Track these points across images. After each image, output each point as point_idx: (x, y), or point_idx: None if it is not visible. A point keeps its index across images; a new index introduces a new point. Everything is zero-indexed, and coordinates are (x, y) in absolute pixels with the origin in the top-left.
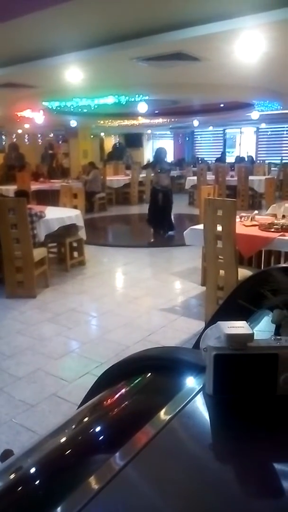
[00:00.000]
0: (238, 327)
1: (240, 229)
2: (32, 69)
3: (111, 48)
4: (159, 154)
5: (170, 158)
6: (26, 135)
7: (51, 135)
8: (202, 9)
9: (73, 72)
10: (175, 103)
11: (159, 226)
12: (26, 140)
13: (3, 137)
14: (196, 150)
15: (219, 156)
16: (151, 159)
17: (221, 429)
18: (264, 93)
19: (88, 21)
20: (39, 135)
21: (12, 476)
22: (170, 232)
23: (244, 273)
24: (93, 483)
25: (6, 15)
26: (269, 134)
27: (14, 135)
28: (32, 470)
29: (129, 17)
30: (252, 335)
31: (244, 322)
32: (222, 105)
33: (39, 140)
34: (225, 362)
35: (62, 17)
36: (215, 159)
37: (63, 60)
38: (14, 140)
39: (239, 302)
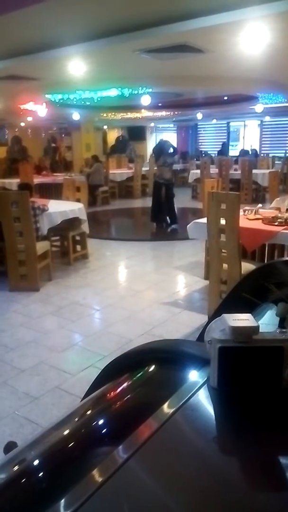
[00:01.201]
0: (243, 319)
1: (243, 222)
2: (34, 61)
3: (114, 40)
4: (162, 147)
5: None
6: (29, 129)
7: (54, 128)
8: (206, 0)
9: (76, 65)
10: (179, 96)
11: (162, 219)
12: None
13: (3, 131)
14: (200, 143)
15: (220, 148)
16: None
17: (225, 422)
18: (268, 85)
19: (91, 12)
20: (36, 127)
21: (16, 468)
22: (173, 226)
23: (247, 267)
24: (97, 475)
25: (8, 7)
26: (273, 127)
27: (17, 129)
28: (36, 462)
29: (132, 9)
30: (257, 327)
31: (249, 314)
32: (226, 98)
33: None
34: (229, 354)
35: (65, 8)
36: (217, 152)
37: (66, 52)
38: (17, 131)
39: (243, 295)
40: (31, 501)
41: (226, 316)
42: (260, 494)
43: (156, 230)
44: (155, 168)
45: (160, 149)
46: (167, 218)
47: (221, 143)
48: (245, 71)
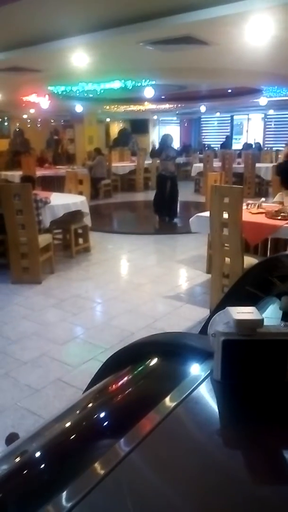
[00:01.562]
0: (248, 312)
1: (246, 216)
2: (38, 52)
3: (118, 31)
4: (165, 141)
5: (176, 145)
6: (32, 121)
7: (52, 121)
8: None
9: (79, 56)
10: (182, 88)
11: (165, 212)
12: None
13: (6, 123)
14: (203, 137)
15: (224, 141)
16: (157, 145)
17: (229, 415)
18: (273, 78)
19: (94, 3)
20: (39, 120)
21: (18, 459)
22: (174, 219)
23: (249, 261)
24: (99, 468)
25: None
26: (277, 121)
27: (18, 123)
28: (37, 454)
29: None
30: (262, 320)
31: (254, 307)
32: (229, 91)
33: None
34: (233, 347)
35: None
36: (220, 145)
37: (69, 44)
38: (18, 125)
39: (247, 289)
40: (32, 493)
41: (230, 309)
42: (264, 487)
43: (158, 223)
44: (158, 161)
45: (163, 143)
46: (170, 211)
47: (224, 136)
48: (249, 63)
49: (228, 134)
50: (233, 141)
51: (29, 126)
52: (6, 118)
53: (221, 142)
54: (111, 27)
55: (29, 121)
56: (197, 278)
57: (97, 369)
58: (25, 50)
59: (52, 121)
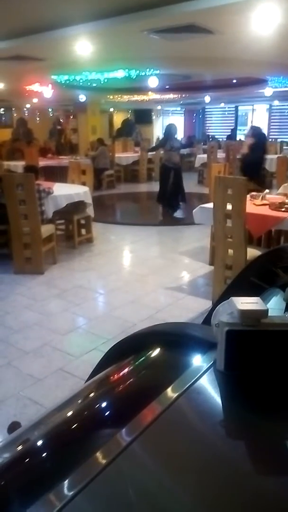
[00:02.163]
0: (252, 303)
1: (250, 208)
2: (41, 41)
3: (122, 19)
4: (170, 131)
5: (180, 135)
6: (35, 111)
7: (53, 113)
8: None
9: (82, 45)
10: (187, 78)
11: (168, 204)
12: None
13: (8, 113)
14: (207, 128)
15: (230, 133)
16: (160, 136)
17: (232, 406)
18: (278, 68)
19: None
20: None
21: (20, 447)
22: (180, 203)
23: (253, 253)
24: (100, 458)
25: None
26: (282, 112)
27: (16, 114)
28: (39, 442)
29: None
30: (266, 311)
31: (258, 298)
32: (234, 81)
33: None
34: (237, 338)
35: None
36: (225, 136)
37: (73, 32)
38: (15, 116)
39: (250, 280)
40: (34, 481)
41: (234, 299)
42: (267, 478)
43: (161, 215)
44: (162, 152)
45: (167, 134)
46: (174, 203)
47: (228, 127)
48: (255, 53)
49: (233, 126)
50: (238, 132)
51: (31, 115)
52: (8, 107)
53: (225, 133)
54: (115, 15)
55: (31, 111)
56: (199, 270)
57: (99, 359)
58: (28, 39)
59: (60, 112)
